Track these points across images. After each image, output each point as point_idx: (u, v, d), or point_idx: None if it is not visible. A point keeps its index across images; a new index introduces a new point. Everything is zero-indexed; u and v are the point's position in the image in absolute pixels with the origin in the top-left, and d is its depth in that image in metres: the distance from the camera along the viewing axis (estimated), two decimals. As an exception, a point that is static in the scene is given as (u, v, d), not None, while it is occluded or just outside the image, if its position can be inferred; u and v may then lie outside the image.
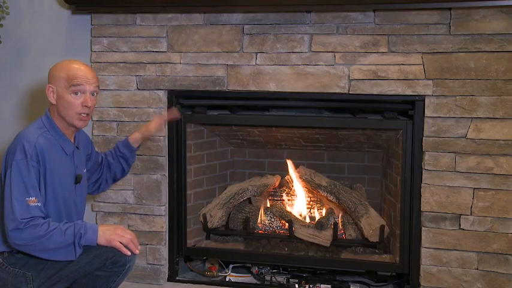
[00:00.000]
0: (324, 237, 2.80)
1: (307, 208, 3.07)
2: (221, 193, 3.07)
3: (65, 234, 1.97)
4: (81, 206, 2.26)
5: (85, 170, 2.30)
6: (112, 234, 2.03)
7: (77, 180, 2.20)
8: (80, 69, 2.10)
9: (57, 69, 2.11)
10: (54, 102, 2.10)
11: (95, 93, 2.15)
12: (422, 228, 2.57)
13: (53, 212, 2.08)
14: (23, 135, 2.06)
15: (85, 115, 2.12)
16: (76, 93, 2.08)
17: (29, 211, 1.96)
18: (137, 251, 2.06)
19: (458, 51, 2.46)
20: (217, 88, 2.71)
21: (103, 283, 2.11)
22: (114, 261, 2.07)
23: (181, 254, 2.90)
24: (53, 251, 1.99)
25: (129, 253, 2.03)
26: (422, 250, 2.58)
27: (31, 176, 1.99)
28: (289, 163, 3.02)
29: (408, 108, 2.58)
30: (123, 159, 2.47)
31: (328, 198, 2.92)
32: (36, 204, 1.98)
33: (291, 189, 3.08)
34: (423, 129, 2.53)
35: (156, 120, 2.55)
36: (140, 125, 2.71)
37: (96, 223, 2.81)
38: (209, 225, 2.94)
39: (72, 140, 2.19)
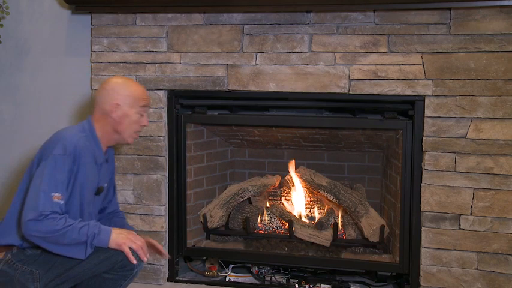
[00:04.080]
0: (324, 237, 2.80)
1: (307, 208, 3.07)
2: (221, 193, 3.07)
3: (79, 232, 1.99)
4: (93, 215, 2.26)
5: (106, 185, 2.32)
6: (123, 238, 2.04)
7: (98, 191, 2.23)
8: (145, 91, 2.26)
9: (123, 87, 2.20)
10: (116, 118, 2.17)
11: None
12: (422, 228, 2.57)
13: (78, 215, 2.10)
14: (65, 133, 2.12)
15: (139, 134, 2.27)
16: (141, 114, 2.22)
17: (52, 206, 1.98)
18: (145, 259, 2.07)
19: (458, 51, 2.46)
20: (217, 88, 2.71)
21: (110, 285, 2.12)
22: (122, 265, 2.07)
23: (181, 254, 2.90)
24: (64, 247, 2.00)
25: (135, 261, 2.04)
26: (422, 250, 2.58)
27: (64, 173, 2.02)
28: (291, 165, 3.02)
29: (408, 108, 2.58)
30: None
31: (328, 198, 2.92)
32: (59, 201, 2.00)
33: (291, 189, 3.08)
34: (423, 129, 2.53)
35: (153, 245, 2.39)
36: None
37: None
38: (209, 225, 2.94)
39: (104, 152, 2.24)
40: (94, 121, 2.20)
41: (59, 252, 2.01)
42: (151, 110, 2.76)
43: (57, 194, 1.99)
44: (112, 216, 2.43)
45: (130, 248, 2.04)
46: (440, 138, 2.51)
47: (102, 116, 2.18)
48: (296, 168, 3.02)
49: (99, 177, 2.23)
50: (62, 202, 2.01)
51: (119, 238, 2.03)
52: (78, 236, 1.98)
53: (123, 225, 2.37)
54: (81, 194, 2.11)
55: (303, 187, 3.02)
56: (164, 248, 2.81)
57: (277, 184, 3.09)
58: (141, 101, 2.20)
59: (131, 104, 2.18)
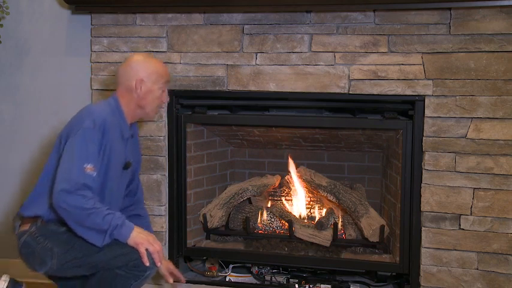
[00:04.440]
0: (324, 237, 2.80)
1: (307, 208, 3.07)
2: (221, 193, 3.07)
3: (104, 218, 2.01)
4: (119, 193, 2.31)
5: (133, 162, 2.36)
6: (142, 239, 2.06)
7: (126, 166, 2.28)
8: (167, 69, 2.38)
9: (147, 64, 2.29)
10: (141, 93, 2.24)
11: None
12: (422, 228, 2.57)
13: (99, 188, 2.13)
14: (94, 108, 2.21)
15: (160, 108, 2.43)
16: (163, 90, 2.30)
17: (85, 177, 2.02)
18: (159, 264, 2.09)
19: (458, 51, 2.46)
20: (217, 88, 2.71)
21: (121, 282, 2.10)
22: (136, 264, 2.07)
23: (181, 254, 2.90)
24: (85, 229, 2.03)
25: (148, 263, 2.05)
26: (422, 250, 2.58)
27: (94, 145, 2.08)
28: (290, 162, 3.02)
29: (408, 108, 2.58)
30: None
31: (328, 198, 2.92)
32: (92, 172, 2.05)
33: (291, 189, 3.08)
34: (423, 129, 2.53)
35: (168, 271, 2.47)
36: (141, 125, 2.72)
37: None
38: (209, 225, 2.94)
39: (130, 128, 2.32)
40: (119, 97, 2.27)
41: (79, 233, 2.04)
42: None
43: (89, 166, 2.04)
44: (136, 214, 2.47)
45: (146, 250, 2.05)
46: (440, 138, 2.51)
47: (127, 92, 2.25)
48: (296, 167, 3.02)
49: (126, 152, 2.28)
50: (94, 174, 2.05)
51: (138, 237, 2.06)
52: (101, 222, 2.01)
53: (146, 228, 2.39)
54: (107, 167, 2.14)
55: (302, 187, 3.02)
56: (164, 248, 2.82)
57: (277, 184, 3.09)
58: (163, 77, 2.29)
59: (155, 80, 2.26)
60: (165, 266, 2.40)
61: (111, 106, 2.24)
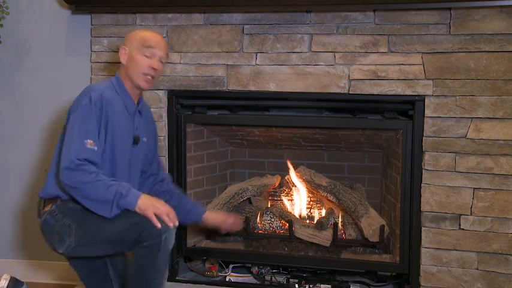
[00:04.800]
0: (324, 237, 2.80)
1: (307, 208, 3.07)
2: (221, 193, 3.07)
3: (108, 189, 2.04)
4: (136, 167, 2.32)
5: (145, 139, 2.37)
6: (148, 204, 2.06)
7: (135, 141, 2.28)
8: (154, 36, 2.29)
9: (133, 33, 2.29)
10: (124, 62, 2.25)
11: (163, 61, 2.30)
12: (422, 228, 2.57)
13: (108, 164, 2.16)
14: (90, 86, 2.21)
15: (150, 77, 2.26)
16: (146, 56, 2.23)
17: (85, 152, 2.06)
18: (171, 224, 2.06)
19: (458, 51, 2.46)
20: (217, 88, 2.71)
21: (147, 260, 2.07)
22: (148, 233, 2.04)
23: (181, 254, 2.90)
24: (92, 201, 2.06)
25: (159, 225, 2.03)
26: (422, 250, 2.58)
27: (92, 121, 2.10)
28: (289, 164, 3.02)
29: (408, 108, 2.58)
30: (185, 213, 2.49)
31: (328, 198, 2.92)
32: (93, 147, 2.08)
33: (291, 189, 3.08)
34: (423, 129, 2.53)
35: (230, 219, 2.62)
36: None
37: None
38: (209, 225, 2.94)
39: (136, 102, 2.31)
40: (120, 73, 2.29)
41: (88, 206, 2.08)
42: (151, 109, 2.75)
43: (89, 141, 2.07)
44: (163, 191, 2.49)
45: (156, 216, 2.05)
46: (440, 138, 2.51)
47: (121, 67, 2.28)
48: (294, 168, 3.02)
49: (134, 127, 2.28)
50: (95, 148, 2.08)
51: (144, 203, 2.06)
52: (106, 193, 2.03)
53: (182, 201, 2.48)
54: (113, 142, 2.16)
55: (303, 187, 3.02)
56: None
57: (277, 184, 3.09)
58: (145, 42, 2.23)
59: (136, 47, 2.23)
60: (212, 218, 2.53)
61: (112, 82, 2.26)
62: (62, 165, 2.06)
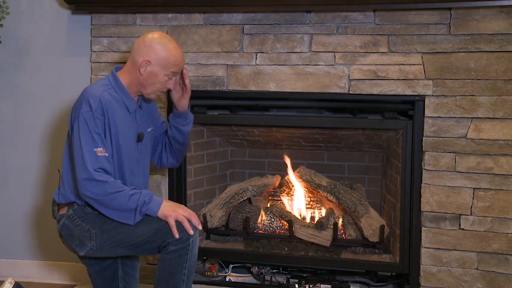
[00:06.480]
0: (324, 237, 2.80)
1: (307, 208, 3.07)
2: (221, 193, 3.07)
3: (130, 199, 2.04)
4: (144, 164, 2.32)
5: (149, 130, 2.35)
6: (170, 210, 2.06)
7: (139, 138, 2.27)
8: (180, 55, 2.22)
9: (158, 47, 2.17)
10: (144, 74, 2.17)
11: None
12: (422, 228, 2.57)
13: (116, 165, 2.15)
14: (88, 90, 2.16)
15: (161, 94, 2.28)
16: (168, 77, 2.21)
17: (99, 161, 2.06)
18: (191, 232, 2.05)
19: (458, 51, 2.46)
20: (217, 88, 2.71)
21: (175, 264, 2.06)
22: (173, 240, 2.05)
23: (181, 254, 2.90)
24: (114, 211, 2.06)
25: (177, 235, 2.03)
26: (422, 250, 2.58)
27: (97, 127, 2.08)
28: (288, 161, 3.02)
29: (408, 108, 2.58)
30: (174, 127, 2.45)
31: (328, 198, 2.92)
32: (104, 154, 2.07)
33: (291, 189, 3.08)
34: (423, 129, 2.53)
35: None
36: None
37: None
38: (209, 225, 2.94)
39: (136, 99, 2.27)
40: (123, 70, 2.24)
41: (110, 216, 2.08)
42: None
43: (99, 149, 2.07)
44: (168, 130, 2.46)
45: (177, 222, 2.05)
46: (440, 138, 2.51)
47: (133, 66, 2.20)
48: (293, 169, 3.02)
49: (136, 124, 2.26)
50: (107, 155, 2.08)
51: (165, 210, 2.06)
52: (128, 203, 2.04)
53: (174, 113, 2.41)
54: (117, 143, 2.15)
55: (303, 187, 3.02)
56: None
57: (277, 184, 3.09)
58: (173, 67, 2.19)
59: (162, 66, 2.18)
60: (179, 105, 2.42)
61: (110, 82, 2.20)
62: (79, 177, 2.05)
